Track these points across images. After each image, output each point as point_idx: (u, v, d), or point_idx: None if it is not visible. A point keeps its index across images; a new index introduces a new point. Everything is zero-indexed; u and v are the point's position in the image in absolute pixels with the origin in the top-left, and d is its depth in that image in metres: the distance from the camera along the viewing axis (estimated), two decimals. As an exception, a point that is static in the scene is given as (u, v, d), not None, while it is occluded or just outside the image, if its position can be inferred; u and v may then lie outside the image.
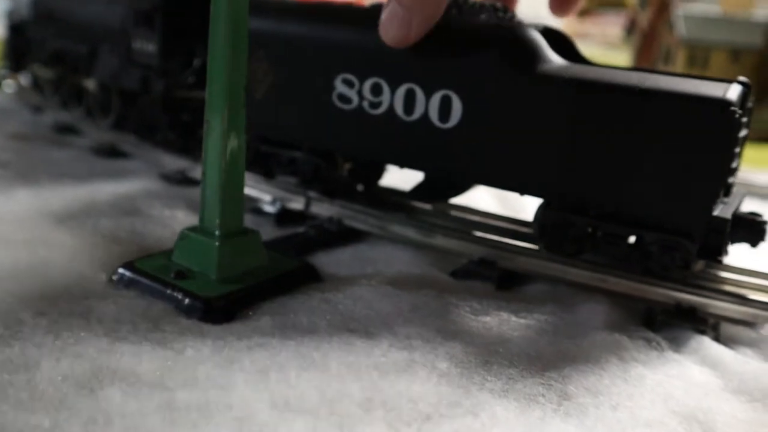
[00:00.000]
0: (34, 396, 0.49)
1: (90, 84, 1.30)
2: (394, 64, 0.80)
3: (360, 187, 0.98)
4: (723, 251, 0.70)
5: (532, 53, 0.74)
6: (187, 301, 0.65)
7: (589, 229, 0.75)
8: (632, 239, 0.74)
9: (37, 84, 1.54)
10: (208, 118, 0.69)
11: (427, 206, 0.94)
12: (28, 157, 1.15)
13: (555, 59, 0.75)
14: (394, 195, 0.98)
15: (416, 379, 0.56)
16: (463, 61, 0.77)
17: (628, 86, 0.69)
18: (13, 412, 0.47)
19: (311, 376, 0.55)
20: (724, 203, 0.72)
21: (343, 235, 0.87)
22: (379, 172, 1.00)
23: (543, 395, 0.56)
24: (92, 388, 0.51)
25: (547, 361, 0.61)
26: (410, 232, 0.86)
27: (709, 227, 0.69)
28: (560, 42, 0.81)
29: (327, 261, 0.80)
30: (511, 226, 0.89)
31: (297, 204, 0.95)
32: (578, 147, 0.72)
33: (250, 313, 0.66)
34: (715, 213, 0.69)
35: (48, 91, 1.47)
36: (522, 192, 0.77)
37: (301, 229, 0.88)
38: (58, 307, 0.62)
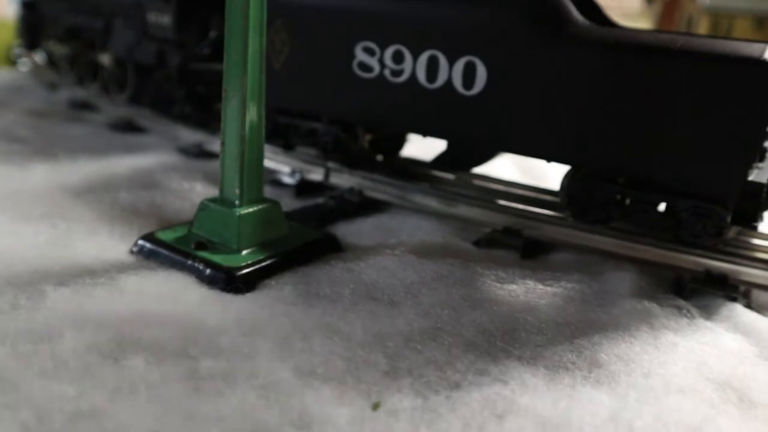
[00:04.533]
0: (58, 365, 0.48)
1: (105, 59, 1.29)
2: (416, 31, 0.78)
3: (380, 158, 0.97)
4: (758, 217, 0.68)
5: (559, 15, 0.72)
6: (208, 271, 0.64)
7: (618, 197, 0.74)
8: (662, 206, 0.73)
9: (51, 61, 1.53)
10: (226, 87, 0.67)
11: (449, 176, 0.92)
12: (45, 134, 1.15)
13: (582, 21, 0.73)
14: (415, 165, 0.96)
15: (443, 347, 0.55)
16: (487, 25, 0.75)
17: (661, 47, 0.67)
18: (38, 381, 0.46)
19: (336, 344, 0.54)
20: (759, 168, 0.70)
21: (364, 206, 0.86)
22: (400, 142, 0.98)
23: (573, 363, 0.55)
24: (116, 358, 0.50)
25: (576, 328, 0.60)
26: (432, 202, 0.85)
27: (743, 193, 0.67)
28: (586, 4, 0.78)
29: (348, 232, 0.79)
30: (535, 195, 0.87)
31: (316, 175, 0.94)
32: (607, 111, 0.70)
33: (273, 283, 0.65)
34: (750, 178, 0.67)
35: (63, 68, 1.47)
36: (549, 159, 0.75)
37: (321, 200, 0.87)
38: (79, 278, 0.62)
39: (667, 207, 0.72)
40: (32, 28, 1.58)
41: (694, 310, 0.65)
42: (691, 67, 0.65)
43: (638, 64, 0.68)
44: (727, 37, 0.70)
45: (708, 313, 0.65)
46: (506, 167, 1.06)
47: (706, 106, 0.65)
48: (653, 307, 0.64)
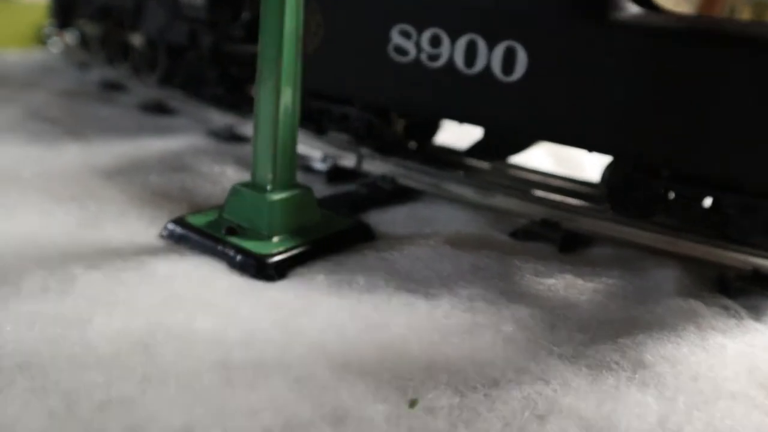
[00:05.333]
0: (87, 351, 0.47)
1: (136, 39, 1.28)
2: (455, 14, 0.76)
3: (413, 145, 0.94)
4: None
5: (604, 0, 0.69)
6: (239, 257, 0.63)
7: (661, 190, 0.71)
8: (708, 201, 0.70)
9: (83, 41, 1.53)
10: (260, 70, 0.66)
11: (484, 165, 0.90)
12: (75, 114, 1.14)
13: (628, 6, 0.70)
14: (449, 153, 0.94)
15: (481, 342, 0.53)
16: (529, 9, 0.72)
17: (712, 33, 0.64)
18: (67, 367, 0.45)
19: (371, 337, 0.53)
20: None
21: (397, 194, 0.84)
22: (434, 128, 0.96)
23: (617, 362, 0.52)
24: (146, 344, 0.49)
25: (619, 326, 0.58)
26: (468, 192, 0.82)
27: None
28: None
29: (381, 220, 0.77)
30: (573, 186, 0.84)
31: (348, 161, 0.92)
32: (652, 101, 0.67)
33: (305, 271, 0.63)
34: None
35: (94, 48, 1.46)
36: (590, 149, 0.72)
37: (353, 187, 0.85)
38: (109, 261, 0.61)
39: (713, 202, 0.70)
40: (64, 7, 1.57)
41: (742, 311, 0.62)
42: (744, 55, 0.62)
43: (686, 52, 0.65)
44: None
45: (757, 314, 0.62)
46: (541, 157, 1.03)
47: (757, 96, 0.62)
48: (699, 306, 0.62)
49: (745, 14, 1.91)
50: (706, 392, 0.49)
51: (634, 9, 0.70)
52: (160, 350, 0.48)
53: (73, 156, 0.91)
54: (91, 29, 1.44)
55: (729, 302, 0.63)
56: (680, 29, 0.66)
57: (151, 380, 0.45)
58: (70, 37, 1.61)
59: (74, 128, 1.05)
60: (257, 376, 0.47)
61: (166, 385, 0.45)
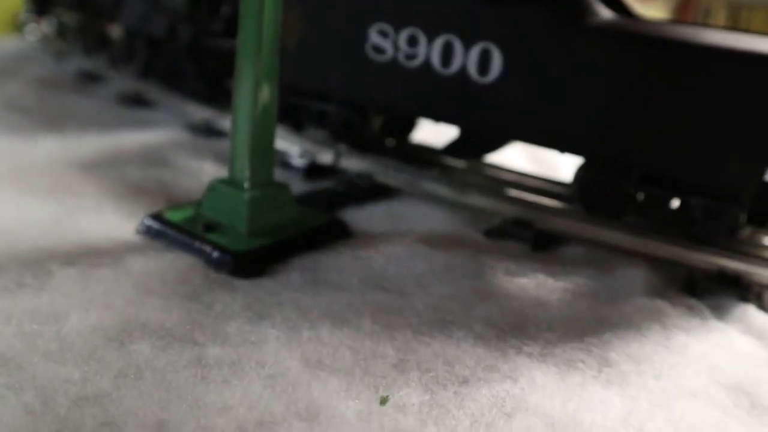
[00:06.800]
0: (63, 347, 0.48)
1: (115, 30, 1.28)
2: (432, 15, 0.77)
3: (390, 142, 0.95)
4: (773, 218, 0.67)
5: (580, 5, 0.71)
6: (216, 254, 0.63)
7: (631, 191, 0.73)
8: (676, 203, 0.72)
9: (60, 30, 1.52)
10: (239, 67, 0.66)
11: (461, 163, 0.91)
12: (51, 104, 1.14)
13: (603, 12, 0.71)
14: (426, 151, 0.95)
15: (452, 340, 0.55)
16: (505, 12, 0.73)
17: (682, 41, 0.65)
18: (43, 363, 0.46)
19: (344, 334, 0.54)
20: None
21: (373, 191, 0.85)
22: (411, 126, 0.97)
23: (583, 361, 0.54)
24: (122, 341, 0.50)
25: (587, 325, 0.59)
26: (443, 190, 0.83)
27: (759, 192, 0.66)
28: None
29: (357, 217, 0.78)
30: (547, 186, 0.86)
31: (326, 158, 0.92)
32: (624, 104, 0.69)
33: (280, 268, 0.64)
34: (767, 177, 0.66)
35: (72, 37, 1.45)
36: (563, 150, 0.74)
37: (330, 184, 0.86)
38: (86, 257, 0.61)
39: (680, 204, 0.71)
40: (41, -6, 1.56)
41: (706, 310, 0.64)
42: (712, 63, 0.64)
43: (657, 58, 0.66)
44: (749, 32, 0.69)
45: (720, 313, 0.64)
46: (516, 156, 1.05)
47: (726, 102, 0.64)
48: (665, 305, 0.63)
49: (720, 15, 1.94)
50: (668, 390, 0.51)
51: (607, 14, 0.72)
52: (136, 347, 0.49)
53: (49, 148, 0.91)
54: (69, 18, 1.43)
55: (694, 302, 0.65)
56: (650, 35, 0.67)
57: (126, 376, 0.46)
58: (47, 25, 1.59)
59: (50, 119, 1.04)
60: (232, 373, 0.47)
61: (141, 381, 0.45)
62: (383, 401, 0.46)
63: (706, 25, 0.72)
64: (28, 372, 0.45)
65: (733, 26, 1.86)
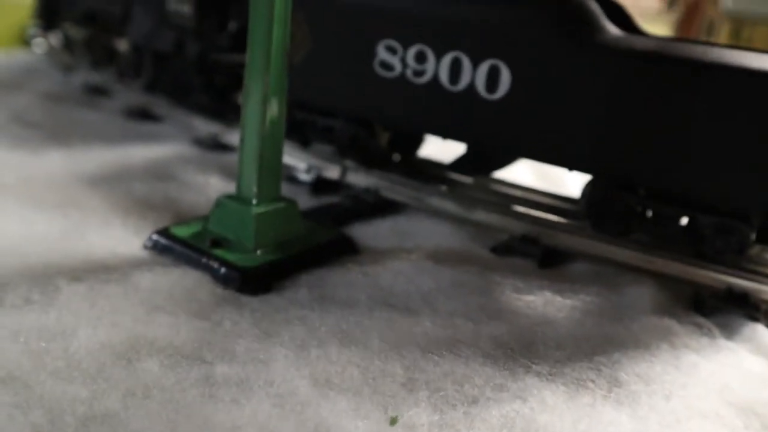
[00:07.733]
0: (71, 365, 0.48)
1: (122, 45, 1.28)
2: (441, 31, 0.77)
3: (397, 158, 0.95)
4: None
5: (588, 22, 0.71)
6: (223, 270, 0.63)
7: (639, 209, 0.72)
8: (684, 221, 0.71)
9: (68, 44, 1.52)
10: (247, 83, 0.66)
11: (467, 179, 0.91)
12: (58, 118, 1.14)
13: (611, 29, 0.71)
14: (432, 167, 0.95)
15: (460, 359, 0.54)
16: (514, 29, 0.73)
17: (690, 59, 0.66)
18: (50, 381, 0.46)
19: (353, 353, 0.53)
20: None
21: (380, 207, 0.85)
22: (418, 142, 0.97)
23: (592, 381, 0.54)
24: (130, 359, 0.49)
25: (596, 344, 0.59)
26: (450, 206, 0.83)
27: (768, 210, 0.66)
28: (615, 11, 0.77)
29: (364, 233, 0.78)
30: (554, 202, 0.86)
31: (332, 173, 0.92)
32: (633, 122, 0.69)
33: (288, 284, 0.64)
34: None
35: (79, 52, 1.46)
36: (571, 167, 0.74)
37: (336, 199, 0.86)
38: (93, 273, 0.61)
39: (689, 221, 0.71)
40: (50, 8, 1.56)
41: (714, 329, 0.63)
42: (721, 81, 0.64)
43: (665, 75, 0.66)
44: (757, 50, 0.69)
45: (729, 332, 0.64)
46: (523, 172, 1.05)
47: (734, 120, 0.64)
48: (673, 324, 0.63)
49: (723, 30, 1.95)
50: (678, 411, 0.50)
51: (615, 31, 0.72)
52: (144, 365, 0.49)
53: (56, 162, 0.91)
54: (76, 32, 1.44)
55: (702, 320, 0.65)
56: (658, 53, 0.67)
57: (134, 395, 0.46)
58: (54, 39, 1.60)
59: (57, 133, 1.04)
60: (240, 392, 0.47)
61: (149, 401, 0.45)
62: (393, 421, 0.46)
63: (713, 44, 0.73)
64: (35, 391, 0.45)
65: (734, 40, 1.86)
